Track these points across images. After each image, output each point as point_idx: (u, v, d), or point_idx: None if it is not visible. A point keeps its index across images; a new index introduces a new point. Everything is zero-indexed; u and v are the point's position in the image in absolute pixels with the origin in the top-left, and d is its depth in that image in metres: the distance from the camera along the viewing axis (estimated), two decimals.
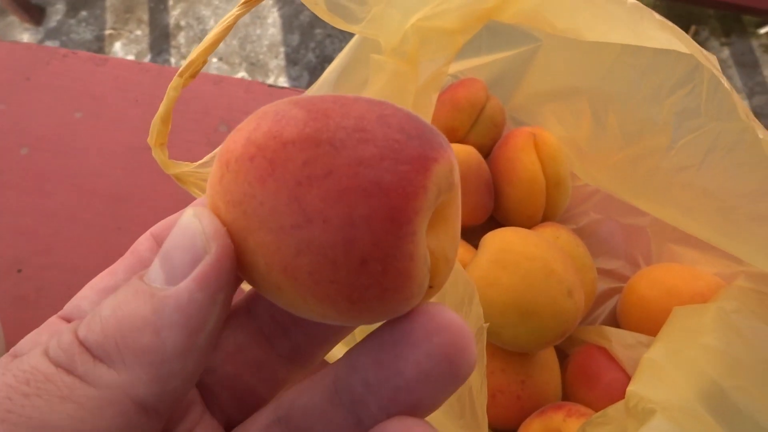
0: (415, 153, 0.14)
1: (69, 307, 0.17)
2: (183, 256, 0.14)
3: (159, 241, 0.18)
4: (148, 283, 0.14)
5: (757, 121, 0.30)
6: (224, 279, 0.14)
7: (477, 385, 0.23)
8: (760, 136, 0.28)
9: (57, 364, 0.13)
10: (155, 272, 0.14)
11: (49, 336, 0.16)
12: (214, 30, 0.30)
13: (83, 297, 0.17)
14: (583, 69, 0.41)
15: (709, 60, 0.30)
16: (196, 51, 0.30)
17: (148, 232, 0.19)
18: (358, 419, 0.16)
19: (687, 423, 0.25)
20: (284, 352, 0.18)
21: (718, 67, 0.30)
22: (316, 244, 0.13)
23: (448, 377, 0.14)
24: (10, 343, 0.42)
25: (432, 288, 0.15)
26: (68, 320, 0.17)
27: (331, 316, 0.14)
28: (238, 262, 0.14)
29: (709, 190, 0.33)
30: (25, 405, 0.12)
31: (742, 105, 0.30)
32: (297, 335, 0.18)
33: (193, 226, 0.14)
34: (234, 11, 0.31)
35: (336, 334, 0.18)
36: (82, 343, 0.13)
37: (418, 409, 0.15)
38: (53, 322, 0.17)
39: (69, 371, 0.13)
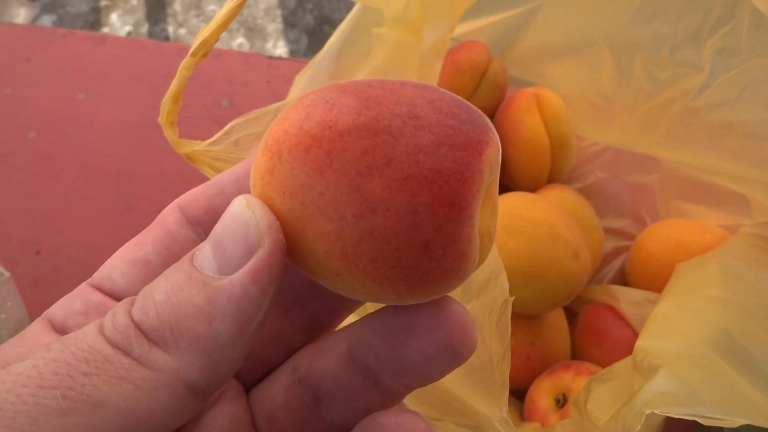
0: (469, 138, 0.14)
1: (99, 277, 0.18)
2: (236, 246, 0.14)
3: (186, 215, 0.18)
4: (199, 270, 0.14)
5: None
6: (276, 272, 0.14)
7: (499, 354, 0.24)
8: None
9: (114, 345, 0.13)
10: (207, 259, 0.14)
11: (82, 303, 0.17)
12: (226, 7, 0.29)
13: (113, 267, 0.18)
14: (600, 20, 0.40)
15: None
16: (208, 29, 0.29)
17: (174, 204, 0.19)
18: (374, 382, 0.17)
19: (694, 373, 0.26)
20: (301, 323, 0.19)
21: None
22: (379, 231, 0.13)
23: (450, 361, 0.16)
24: None
25: (477, 264, 0.16)
26: (99, 289, 0.17)
27: (388, 298, 0.15)
28: (292, 250, 0.15)
29: (743, 121, 0.33)
30: (85, 384, 0.12)
31: None
32: (315, 306, 0.19)
33: (246, 217, 0.14)
34: None
35: (353, 305, 0.19)
36: (137, 326, 0.14)
37: (426, 381, 0.16)
38: (84, 290, 0.17)
39: (125, 353, 0.13)
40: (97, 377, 0.13)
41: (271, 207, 0.14)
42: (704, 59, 0.33)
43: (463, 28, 0.48)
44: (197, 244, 0.18)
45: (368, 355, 0.16)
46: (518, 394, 0.40)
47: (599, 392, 0.27)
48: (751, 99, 0.32)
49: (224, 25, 0.29)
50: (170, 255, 0.18)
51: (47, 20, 1.53)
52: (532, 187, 0.45)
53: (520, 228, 0.36)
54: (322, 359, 0.18)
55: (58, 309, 0.17)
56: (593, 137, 0.47)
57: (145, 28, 1.52)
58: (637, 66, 0.38)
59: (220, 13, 0.29)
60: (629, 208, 0.47)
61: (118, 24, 1.52)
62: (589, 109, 0.44)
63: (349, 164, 0.14)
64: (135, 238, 0.18)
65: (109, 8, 1.56)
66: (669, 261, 0.40)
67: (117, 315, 0.14)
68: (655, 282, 0.41)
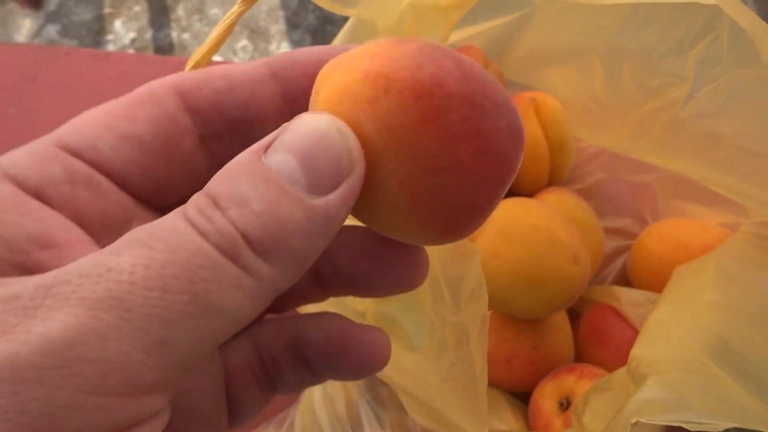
0: (522, 134, 0.17)
1: (75, 142, 0.17)
2: (328, 168, 0.15)
3: (186, 101, 0.18)
4: (287, 182, 0.14)
5: None
6: (357, 197, 0.16)
7: (479, 368, 0.25)
8: None
9: (222, 252, 0.14)
10: (294, 173, 0.15)
11: (63, 170, 0.16)
12: (217, 30, 0.30)
13: (98, 137, 0.17)
14: (591, 28, 0.41)
15: (731, 5, 0.29)
16: (199, 52, 0.30)
17: (170, 84, 0.18)
18: (321, 286, 0.20)
19: (684, 379, 0.26)
20: None
21: (744, 11, 0.30)
22: (452, 187, 0.16)
23: (405, 289, 0.19)
24: None
25: None
26: (77, 156, 0.17)
27: (413, 236, 0.17)
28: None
29: (727, 134, 0.34)
30: (208, 290, 0.13)
31: (766, 49, 0.30)
32: None
33: (337, 141, 0.15)
34: (235, 9, 0.30)
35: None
36: (243, 236, 0.14)
37: (369, 297, 0.19)
38: (58, 154, 0.16)
39: (234, 261, 0.14)
40: (216, 284, 0.13)
41: (357, 131, 0.15)
42: (688, 69, 0.33)
43: (458, 35, 0.48)
44: (194, 134, 0.18)
45: (324, 264, 0.19)
46: (522, 397, 0.41)
47: (596, 403, 0.28)
48: (734, 111, 0.32)
49: (215, 48, 0.30)
50: (168, 139, 0.17)
51: (52, 30, 1.55)
52: (532, 190, 0.46)
53: (519, 234, 0.37)
54: None
55: (27, 170, 0.16)
56: (590, 141, 0.47)
57: (149, 35, 1.53)
58: (627, 74, 0.38)
59: (211, 37, 0.30)
60: (630, 207, 0.47)
61: (123, 31, 1.54)
62: (585, 113, 0.44)
63: (450, 123, 0.15)
64: (118, 107, 0.17)
65: (113, 15, 1.57)
66: (670, 260, 0.41)
67: (214, 220, 0.14)
68: (657, 281, 0.41)
